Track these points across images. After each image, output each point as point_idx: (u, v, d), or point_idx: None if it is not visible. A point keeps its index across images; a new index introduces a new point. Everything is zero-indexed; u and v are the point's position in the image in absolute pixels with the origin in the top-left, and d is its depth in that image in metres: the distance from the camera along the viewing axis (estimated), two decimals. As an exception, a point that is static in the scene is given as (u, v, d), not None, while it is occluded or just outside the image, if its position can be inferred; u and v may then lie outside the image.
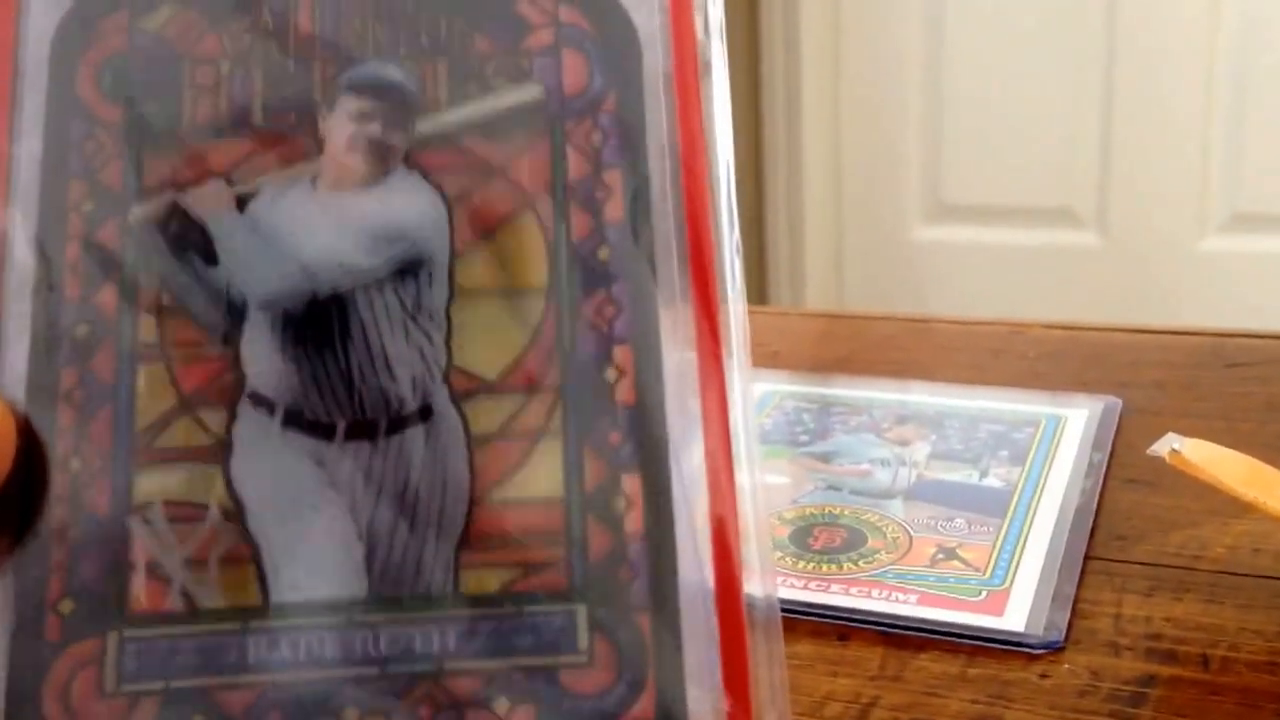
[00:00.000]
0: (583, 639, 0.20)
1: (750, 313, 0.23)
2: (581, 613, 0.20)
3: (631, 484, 0.21)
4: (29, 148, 0.22)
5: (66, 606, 0.20)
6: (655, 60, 0.23)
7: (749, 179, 1.66)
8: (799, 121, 1.67)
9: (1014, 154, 1.59)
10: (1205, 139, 1.53)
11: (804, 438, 0.46)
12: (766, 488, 0.22)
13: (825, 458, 0.44)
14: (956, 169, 1.63)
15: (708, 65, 0.24)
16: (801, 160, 1.67)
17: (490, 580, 0.21)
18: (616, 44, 0.23)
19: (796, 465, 0.43)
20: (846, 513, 0.39)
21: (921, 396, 0.49)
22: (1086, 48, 1.55)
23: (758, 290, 1.68)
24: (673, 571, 0.21)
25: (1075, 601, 0.34)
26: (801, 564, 0.36)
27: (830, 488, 0.41)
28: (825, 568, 0.36)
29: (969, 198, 1.64)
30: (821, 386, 0.50)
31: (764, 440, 0.45)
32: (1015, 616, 0.34)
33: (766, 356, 0.54)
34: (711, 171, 0.23)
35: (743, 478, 0.22)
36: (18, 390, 0.21)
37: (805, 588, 0.35)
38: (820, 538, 0.38)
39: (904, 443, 0.45)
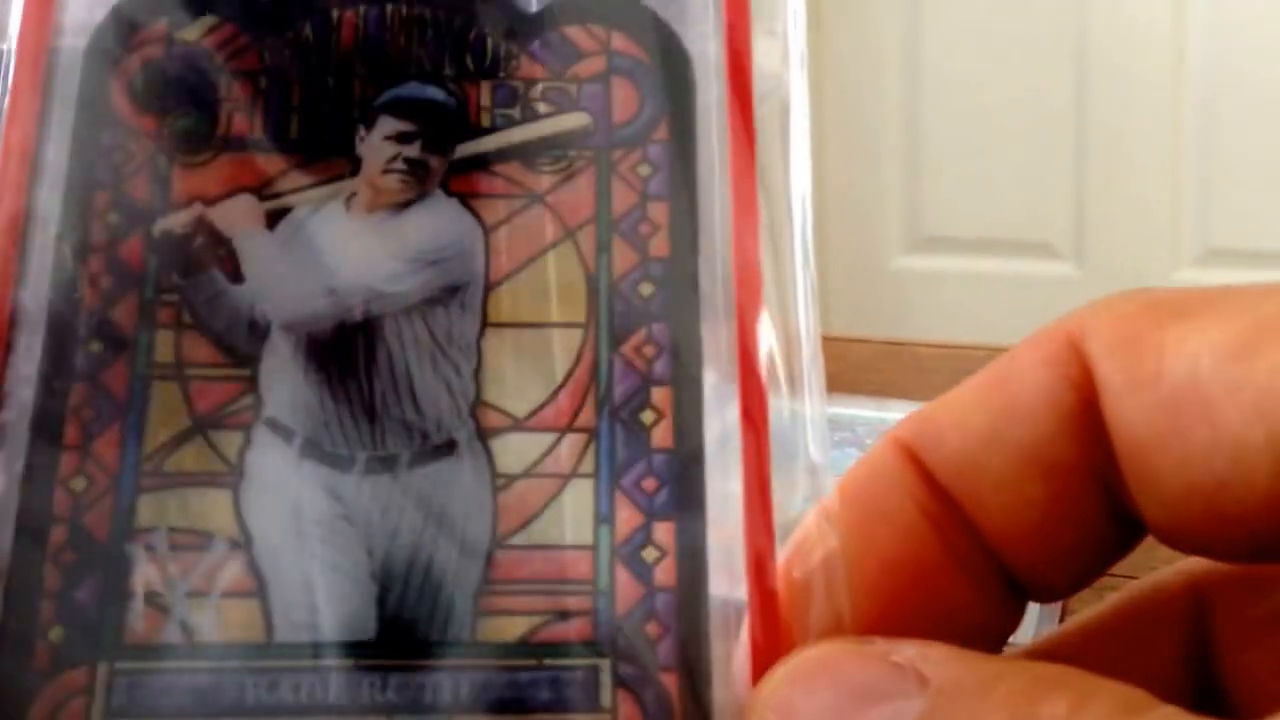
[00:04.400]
0: (605, 697, 0.19)
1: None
2: (605, 668, 0.19)
3: (664, 533, 0.20)
4: (56, 154, 0.22)
5: (57, 633, 0.19)
6: (709, 90, 0.22)
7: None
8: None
9: (992, 188, 1.63)
10: (1175, 176, 1.58)
11: (787, 451, 0.45)
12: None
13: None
14: (936, 202, 1.66)
15: (786, 101, 0.23)
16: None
17: (509, 629, 0.19)
18: (669, 73, 0.22)
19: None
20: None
21: (903, 415, 0.48)
22: (1058, 85, 1.59)
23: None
24: (704, 629, 0.19)
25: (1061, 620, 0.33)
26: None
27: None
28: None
29: (948, 229, 1.66)
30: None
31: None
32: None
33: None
34: (785, 211, 0.22)
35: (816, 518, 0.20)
36: (27, 403, 0.20)
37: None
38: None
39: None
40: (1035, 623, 0.37)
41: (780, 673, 0.18)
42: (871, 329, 1.60)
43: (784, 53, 0.23)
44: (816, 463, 0.21)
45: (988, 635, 0.20)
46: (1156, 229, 1.58)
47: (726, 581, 0.20)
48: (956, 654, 0.17)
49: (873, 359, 0.56)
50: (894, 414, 0.49)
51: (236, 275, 0.21)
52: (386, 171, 0.22)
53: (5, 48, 0.23)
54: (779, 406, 0.21)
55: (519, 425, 0.20)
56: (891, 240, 1.69)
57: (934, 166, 1.65)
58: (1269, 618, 0.19)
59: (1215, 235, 1.57)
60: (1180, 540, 0.18)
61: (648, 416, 0.20)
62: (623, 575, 0.19)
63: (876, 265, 1.70)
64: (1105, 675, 0.16)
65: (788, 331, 0.22)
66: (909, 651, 0.17)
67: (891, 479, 0.19)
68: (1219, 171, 1.54)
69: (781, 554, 0.20)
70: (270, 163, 0.22)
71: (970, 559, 0.19)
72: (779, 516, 0.20)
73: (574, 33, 0.23)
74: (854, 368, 0.55)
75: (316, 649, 0.19)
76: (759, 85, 0.23)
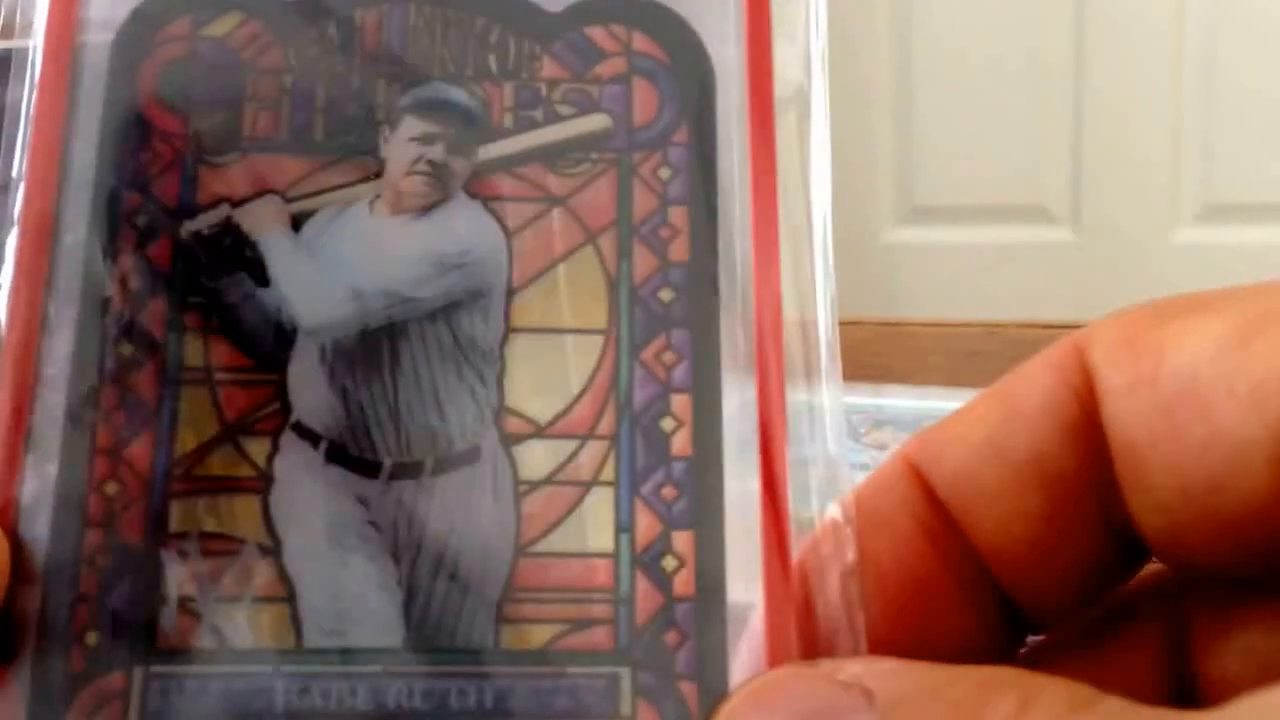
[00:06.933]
0: (625, 705, 0.19)
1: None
2: (626, 677, 0.20)
3: (684, 542, 0.20)
4: (83, 153, 0.22)
5: (92, 637, 0.19)
6: (730, 94, 0.23)
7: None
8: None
9: (985, 153, 1.61)
10: (1175, 132, 1.55)
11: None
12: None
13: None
14: (928, 170, 1.64)
15: (806, 107, 0.23)
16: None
17: (532, 636, 0.20)
18: (690, 76, 0.23)
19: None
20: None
21: (898, 400, 0.48)
22: (1054, 45, 1.57)
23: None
24: (722, 639, 0.20)
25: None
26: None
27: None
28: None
29: (941, 198, 1.64)
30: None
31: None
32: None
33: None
34: (804, 216, 0.22)
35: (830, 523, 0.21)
36: (58, 406, 0.20)
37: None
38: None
39: (881, 447, 0.44)
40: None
41: (732, 702, 0.18)
42: (864, 308, 1.58)
43: (805, 59, 0.23)
44: (834, 457, 0.21)
45: (987, 658, 0.20)
46: (1155, 186, 1.56)
47: (743, 587, 0.20)
48: (903, 666, 0.18)
49: (867, 341, 0.55)
50: (889, 400, 0.48)
51: (263, 278, 0.21)
52: (410, 174, 0.22)
53: (31, 44, 0.23)
54: (796, 404, 0.21)
55: (541, 432, 0.21)
56: (884, 212, 1.67)
57: (926, 131, 1.63)
58: (1243, 621, 0.19)
59: (1216, 191, 1.55)
60: (1176, 551, 0.18)
61: (667, 424, 0.21)
62: (643, 584, 0.20)
63: (868, 239, 1.67)
64: (1089, 681, 0.17)
65: (806, 332, 0.22)
66: (854, 669, 0.18)
67: (896, 495, 0.20)
68: (1220, 125, 1.52)
69: (797, 552, 0.20)
70: (296, 163, 0.22)
71: (968, 579, 0.19)
72: (796, 512, 0.20)
73: (595, 33, 0.23)
74: (847, 351, 0.55)
75: (345, 655, 0.19)
76: (779, 91, 0.23)
